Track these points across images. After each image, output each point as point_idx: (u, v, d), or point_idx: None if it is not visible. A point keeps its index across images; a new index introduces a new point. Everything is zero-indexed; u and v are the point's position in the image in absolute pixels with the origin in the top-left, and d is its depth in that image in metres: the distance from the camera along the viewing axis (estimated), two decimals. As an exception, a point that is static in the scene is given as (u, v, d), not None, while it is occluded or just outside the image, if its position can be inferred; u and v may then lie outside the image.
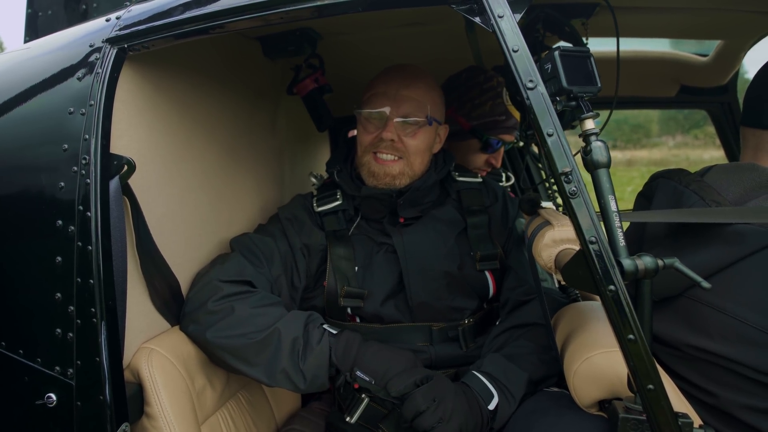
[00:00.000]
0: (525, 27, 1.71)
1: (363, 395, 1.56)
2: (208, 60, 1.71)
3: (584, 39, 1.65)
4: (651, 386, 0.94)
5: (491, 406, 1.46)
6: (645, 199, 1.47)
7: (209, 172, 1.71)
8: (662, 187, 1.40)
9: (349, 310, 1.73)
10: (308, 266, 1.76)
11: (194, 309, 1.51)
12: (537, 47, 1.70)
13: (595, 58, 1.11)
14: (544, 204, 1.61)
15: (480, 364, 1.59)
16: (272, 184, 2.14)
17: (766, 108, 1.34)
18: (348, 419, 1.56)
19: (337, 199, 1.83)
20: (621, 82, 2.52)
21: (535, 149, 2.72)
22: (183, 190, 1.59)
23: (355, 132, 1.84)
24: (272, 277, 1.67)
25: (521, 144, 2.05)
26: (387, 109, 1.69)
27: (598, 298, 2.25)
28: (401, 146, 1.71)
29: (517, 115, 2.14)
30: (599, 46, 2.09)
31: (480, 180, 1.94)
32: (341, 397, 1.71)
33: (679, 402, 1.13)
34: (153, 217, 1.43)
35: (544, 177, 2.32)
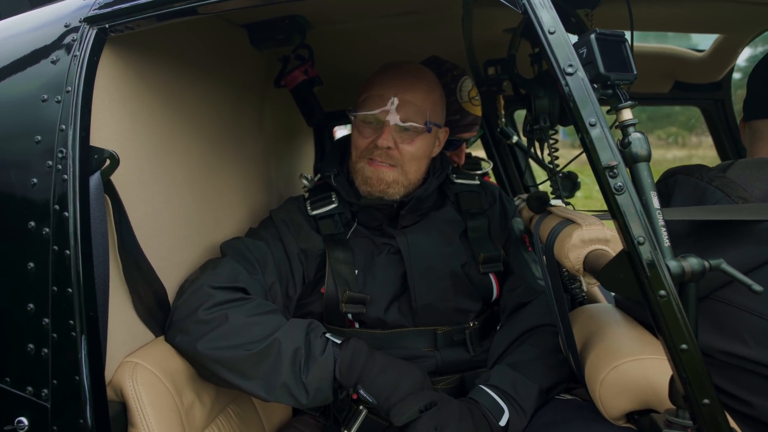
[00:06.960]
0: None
1: (361, 407, 1.46)
2: (192, 47, 1.57)
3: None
4: (707, 401, 0.86)
5: (502, 422, 1.38)
6: (661, 197, 1.40)
7: (194, 168, 1.57)
8: (682, 184, 1.32)
9: (349, 316, 1.63)
10: (306, 272, 1.65)
11: (182, 318, 1.38)
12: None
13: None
14: (553, 202, 1.53)
15: (487, 377, 1.50)
16: (259, 183, 2.01)
17: None
18: None
19: (332, 202, 1.73)
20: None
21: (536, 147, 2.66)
22: (168, 187, 1.45)
23: (341, 130, 1.74)
24: (267, 284, 1.55)
25: (524, 141, 1.97)
26: (384, 114, 1.59)
27: (602, 299, 2.18)
28: (396, 154, 1.60)
29: (476, 111, 2.06)
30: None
31: (478, 182, 1.87)
32: (337, 409, 1.61)
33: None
34: (136, 217, 1.30)
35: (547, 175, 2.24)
